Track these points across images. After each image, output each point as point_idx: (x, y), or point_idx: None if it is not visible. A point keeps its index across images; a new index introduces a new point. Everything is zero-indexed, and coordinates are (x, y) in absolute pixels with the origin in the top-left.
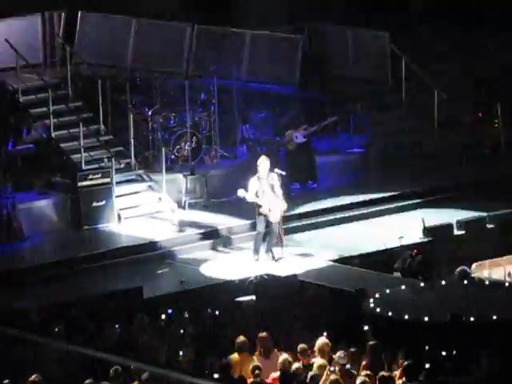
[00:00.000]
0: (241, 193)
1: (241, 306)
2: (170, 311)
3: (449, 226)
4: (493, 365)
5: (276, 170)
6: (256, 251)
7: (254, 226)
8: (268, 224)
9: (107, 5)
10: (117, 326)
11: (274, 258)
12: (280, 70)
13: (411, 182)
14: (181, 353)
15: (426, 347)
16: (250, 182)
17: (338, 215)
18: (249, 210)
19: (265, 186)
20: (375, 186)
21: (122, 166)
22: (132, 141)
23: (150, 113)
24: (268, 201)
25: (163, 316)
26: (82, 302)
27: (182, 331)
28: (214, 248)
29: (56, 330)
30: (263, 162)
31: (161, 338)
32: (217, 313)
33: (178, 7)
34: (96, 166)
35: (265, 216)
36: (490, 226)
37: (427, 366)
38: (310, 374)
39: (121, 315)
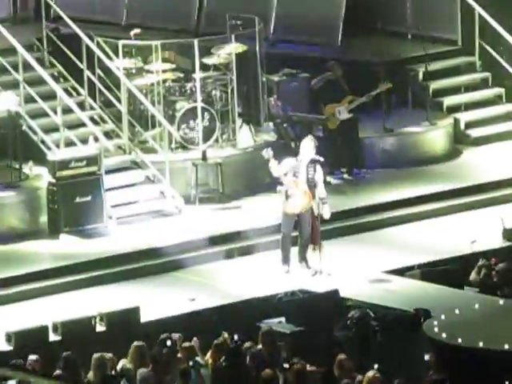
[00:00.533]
0: (266, 153)
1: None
2: (175, 337)
3: None
4: None
5: (313, 155)
6: (285, 260)
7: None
8: (299, 223)
9: None
10: (107, 356)
11: (309, 268)
12: (317, 27)
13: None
14: None
15: (506, 383)
16: (284, 160)
17: (392, 214)
18: (276, 208)
19: (302, 170)
20: (439, 176)
21: (113, 150)
22: (126, 117)
23: (149, 82)
24: (302, 190)
25: (168, 343)
26: (63, 327)
27: (191, 363)
28: (230, 256)
29: (30, 361)
30: (307, 142)
31: (164, 371)
32: (235, 337)
33: None
34: (79, 149)
35: (293, 213)
36: None
37: None
38: None
39: (113, 343)
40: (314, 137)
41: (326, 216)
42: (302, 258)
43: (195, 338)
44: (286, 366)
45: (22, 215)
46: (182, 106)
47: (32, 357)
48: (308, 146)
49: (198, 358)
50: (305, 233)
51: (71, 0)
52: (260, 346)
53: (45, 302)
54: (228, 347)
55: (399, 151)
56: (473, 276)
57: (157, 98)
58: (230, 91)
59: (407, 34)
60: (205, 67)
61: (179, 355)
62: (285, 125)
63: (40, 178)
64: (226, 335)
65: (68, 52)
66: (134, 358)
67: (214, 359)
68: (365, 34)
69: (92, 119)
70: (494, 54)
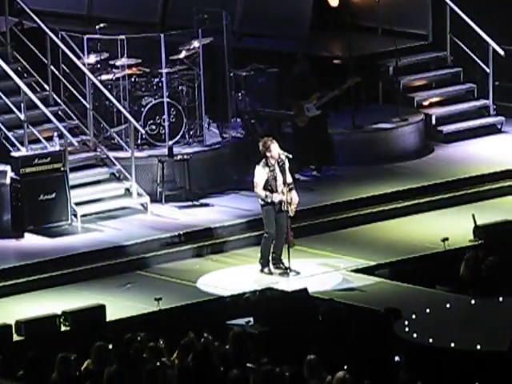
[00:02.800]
0: (276, 197)
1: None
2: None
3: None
4: None
5: (281, 152)
6: (265, 260)
7: (251, 226)
8: (277, 222)
9: None
10: (72, 356)
11: (286, 268)
12: (285, 21)
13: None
14: None
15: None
16: (256, 172)
17: (361, 211)
18: (245, 205)
19: (277, 173)
20: (410, 173)
21: (78, 146)
22: (91, 113)
23: (114, 77)
24: (281, 191)
25: (134, 343)
26: (26, 326)
27: (157, 364)
28: (199, 255)
29: None
30: (275, 144)
31: (129, 371)
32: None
33: None
34: (43, 146)
35: (280, 212)
36: None
37: None
38: None
39: (77, 343)
40: (283, 134)
41: (295, 200)
42: (278, 257)
43: (161, 341)
44: (253, 366)
45: None
46: (148, 101)
47: None
48: (277, 148)
49: (164, 359)
50: (283, 230)
51: None
52: (228, 346)
53: (8, 301)
54: (195, 347)
55: (369, 148)
56: (463, 270)
57: (122, 93)
58: (196, 86)
59: (377, 28)
60: (171, 62)
61: (145, 355)
62: (253, 121)
63: (3, 175)
64: (192, 335)
65: (32, 47)
66: (97, 358)
67: (181, 359)
68: (334, 28)
69: (56, 115)
70: (465, 48)
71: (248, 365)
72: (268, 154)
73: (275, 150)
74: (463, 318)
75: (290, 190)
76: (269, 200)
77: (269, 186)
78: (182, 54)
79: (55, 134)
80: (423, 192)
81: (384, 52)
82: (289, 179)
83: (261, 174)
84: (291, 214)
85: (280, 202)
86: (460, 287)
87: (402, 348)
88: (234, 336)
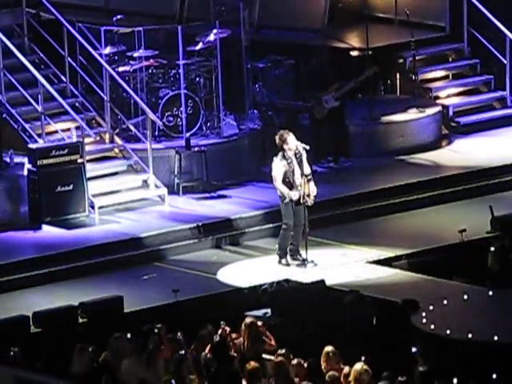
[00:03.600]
0: (294, 195)
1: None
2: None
3: None
4: None
5: (298, 143)
6: (284, 252)
7: (269, 217)
8: (294, 214)
9: None
10: (90, 348)
11: (303, 260)
12: (303, 13)
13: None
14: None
15: (494, 375)
16: (273, 165)
17: (379, 203)
18: (262, 196)
19: (295, 165)
20: (427, 164)
21: (96, 138)
22: (108, 105)
23: (131, 68)
24: (299, 183)
25: (152, 334)
26: (43, 318)
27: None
28: (217, 246)
29: (11, 353)
30: (291, 136)
31: (147, 364)
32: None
33: None
34: (61, 138)
35: (298, 204)
36: None
37: None
38: None
39: (95, 334)
40: (300, 125)
41: (313, 192)
42: (296, 248)
43: (179, 333)
44: (271, 357)
45: (3, 205)
46: (166, 93)
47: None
48: (294, 140)
49: (182, 352)
50: (301, 222)
51: None
52: (242, 338)
53: (26, 292)
54: (212, 339)
55: (386, 139)
56: (491, 260)
57: (140, 85)
58: (214, 78)
59: (395, 19)
60: (189, 54)
61: (162, 347)
62: (270, 112)
63: (21, 166)
64: (210, 327)
65: (49, 38)
66: (114, 349)
67: (198, 351)
68: (351, 20)
69: (74, 107)
70: (482, 40)
71: (264, 356)
72: (285, 147)
73: (292, 142)
74: (481, 310)
75: (309, 181)
76: (288, 200)
77: (287, 179)
78: (199, 46)
79: (73, 125)
80: (440, 184)
81: (401, 43)
82: (307, 170)
83: (278, 167)
84: (309, 203)
85: (299, 196)
86: (482, 277)
87: (419, 339)
88: (247, 326)
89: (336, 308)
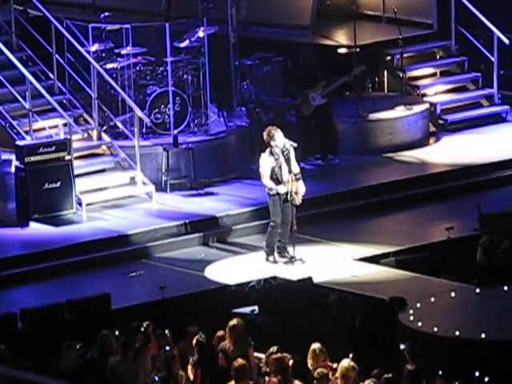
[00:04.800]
0: (282, 189)
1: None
2: (145, 325)
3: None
4: None
5: (286, 141)
6: (271, 249)
7: (256, 214)
8: (282, 211)
9: None
10: (78, 345)
11: (290, 257)
12: (290, 9)
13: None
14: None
15: (477, 373)
16: (261, 161)
17: (366, 200)
18: (250, 193)
19: (282, 161)
20: (415, 162)
21: (83, 135)
22: (96, 102)
23: (119, 65)
24: (286, 180)
25: (140, 331)
26: (31, 315)
27: (162, 352)
28: (205, 243)
29: None
30: (279, 133)
31: (134, 361)
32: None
33: None
34: (48, 135)
35: (286, 201)
36: None
37: None
38: None
39: (82, 331)
40: (288, 122)
41: (301, 190)
42: (283, 246)
43: (167, 331)
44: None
45: None
46: (153, 90)
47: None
48: (281, 137)
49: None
50: (288, 220)
51: None
52: (227, 341)
53: (13, 289)
54: (200, 342)
55: (374, 137)
56: (480, 255)
57: (127, 82)
58: (201, 75)
59: (382, 17)
60: (176, 51)
61: (150, 344)
62: (257, 109)
63: (8, 163)
64: (195, 328)
65: (37, 35)
66: (101, 346)
67: (186, 347)
68: (339, 17)
69: (61, 104)
70: (470, 37)
71: (257, 355)
72: (272, 143)
73: (279, 138)
74: (468, 307)
75: (297, 179)
76: (274, 192)
77: (274, 175)
78: (186, 43)
79: (60, 122)
80: (428, 181)
81: (389, 41)
82: (296, 169)
83: (266, 163)
84: (297, 202)
85: (286, 192)
86: (469, 275)
87: (406, 337)
88: (231, 327)
89: (322, 306)
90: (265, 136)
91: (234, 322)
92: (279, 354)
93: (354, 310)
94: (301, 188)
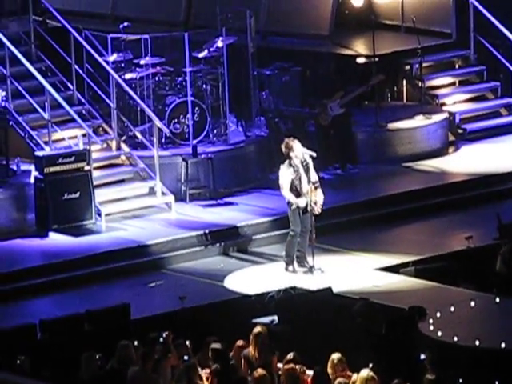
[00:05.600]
0: (302, 202)
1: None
2: (165, 335)
3: None
4: None
5: (304, 150)
6: (290, 259)
7: (276, 224)
8: (301, 221)
9: None
10: (97, 355)
11: (310, 267)
12: (309, 20)
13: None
14: None
15: (497, 382)
16: (280, 173)
17: (387, 210)
18: (269, 203)
19: (301, 173)
20: (434, 171)
21: (103, 146)
22: (115, 112)
23: (138, 76)
24: (306, 191)
25: (159, 341)
26: (51, 326)
27: (181, 362)
28: (224, 253)
29: (18, 361)
30: (297, 144)
31: (154, 372)
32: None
33: None
34: (68, 145)
35: (305, 211)
36: None
37: None
38: None
39: (102, 342)
40: (307, 132)
41: (320, 199)
42: (302, 255)
43: (187, 342)
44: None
45: (10, 212)
46: (172, 100)
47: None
48: (300, 147)
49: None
50: (307, 229)
51: None
52: (251, 348)
53: (33, 300)
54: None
55: (393, 146)
56: (498, 265)
57: (146, 92)
58: (220, 85)
59: (401, 26)
60: (195, 61)
61: (169, 354)
62: (276, 119)
63: (28, 174)
64: (213, 338)
65: (56, 46)
66: (121, 356)
67: (205, 357)
68: (358, 27)
69: (80, 114)
70: (489, 47)
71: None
72: (291, 155)
73: (298, 149)
74: (488, 316)
75: (316, 188)
76: (294, 206)
77: (294, 187)
78: (205, 53)
79: (79, 133)
80: (447, 190)
81: (408, 50)
82: (314, 177)
83: (285, 175)
84: (316, 212)
85: (306, 203)
86: (489, 284)
87: (427, 346)
88: (255, 335)
89: (343, 315)
90: (283, 148)
91: (258, 329)
92: (291, 365)
93: (380, 318)
94: (319, 197)
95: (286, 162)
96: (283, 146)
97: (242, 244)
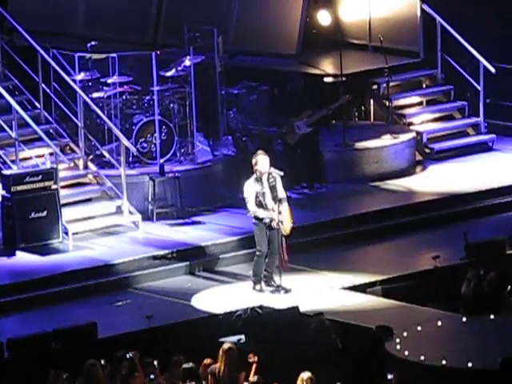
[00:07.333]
0: (264, 214)
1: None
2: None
3: (498, 243)
4: None
5: (272, 169)
6: (258, 278)
7: (243, 243)
8: (269, 240)
9: None
10: (64, 374)
11: (277, 286)
12: (277, 38)
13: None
14: None
15: None
16: (245, 188)
17: (353, 229)
18: (237, 222)
19: (266, 188)
20: (401, 190)
21: (70, 164)
22: (82, 131)
23: (106, 94)
24: (271, 208)
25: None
26: (18, 344)
27: (148, 380)
28: (191, 272)
29: None
30: (263, 158)
31: None
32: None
33: None
34: (35, 164)
35: (271, 229)
36: None
37: None
38: None
39: (69, 360)
40: (274, 151)
41: (287, 216)
42: (270, 275)
43: (155, 362)
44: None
45: None
46: (140, 119)
47: None
48: (265, 163)
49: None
50: (276, 248)
51: (26, 11)
52: (219, 364)
53: (0, 318)
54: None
55: (360, 165)
56: (464, 289)
57: (114, 111)
58: (188, 104)
59: (368, 46)
60: (162, 80)
61: (136, 373)
62: (244, 138)
63: None
64: (181, 357)
65: (23, 65)
66: (89, 375)
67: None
68: (325, 46)
69: (48, 133)
70: (456, 66)
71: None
72: (256, 168)
73: (262, 164)
74: (455, 336)
75: (282, 203)
76: (259, 215)
77: (258, 201)
78: (172, 72)
79: (47, 152)
80: (415, 210)
81: (375, 69)
82: (282, 194)
83: (250, 188)
84: (283, 232)
85: (270, 220)
86: (456, 304)
87: (394, 366)
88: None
89: (304, 334)
90: (253, 160)
91: (228, 345)
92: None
93: (334, 334)
94: (285, 216)
95: (253, 176)
96: (253, 158)
97: (209, 263)
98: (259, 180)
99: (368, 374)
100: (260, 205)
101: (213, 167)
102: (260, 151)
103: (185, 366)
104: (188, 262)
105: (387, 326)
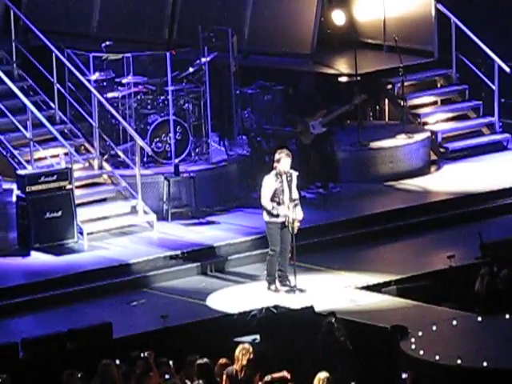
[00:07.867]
0: (282, 210)
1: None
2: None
3: None
4: None
5: (290, 170)
6: (272, 278)
7: (257, 244)
8: (282, 240)
9: None
10: (79, 374)
11: (292, 286)
12: (291, 38)
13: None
14: None
15: None
16: (265, 182)
17: (368, 229)
18: (251, 222)
19: (285, 186)
20: (416, 190)
21: (85, 164)
22: (97, 131)
23: (120, 94)
24: (287, 206)
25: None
26: (33, 344)
27: (163, 380)
28: (204, 272)
29: (0, 379)
30: (286, 158)
31: None
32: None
33: None
34: (50, 164)
35: (283, 228)
36: None
37: None
38: None
39: (84, 360)
40: (289, 151)
41: (299, 216)
42: (284, 274)
43: (171, 362)
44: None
45: None
46: (154, 119)
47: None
48: (287, 163)
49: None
50: (287, 247)
51: (41, 12)
52: (237, 365)
53: (15, 319)
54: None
55: (375, 165)
56: (478, 285)
57: (128, 111)
58: (202, 104)
59: (383, 45)
60: (177, 80)
61: (151, 373)
62: (259, 138)
63: (10, 193)
64: (195, 357)
65: (38, 65)
66: (104, 375)
67: (187, 376)
68: (340, 46)
69: (62, 133)
70: (471, 66)
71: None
72: (277, 166)
73: (284, 164)
74: (470, 335)
75: (295, 205)
76: (275, 212)
77: (276, 198)
78: (187, 72)
79: (61, 152)
80: (429, 209)
81: (390, 69)
82: (295, 195)
83: (270, 184)
84: (294, 231)
85: (285, 217)
86: (471, 303)
87: (408, 365)
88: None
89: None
90: (276, 155)
91: (247, 346)
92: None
93: (342, 335)
94: (298, 215)
95: (273, 172)
96: (276, 154)
97: (223, 263)
98: (279, 177)
99: (382, 373)
100: (277, 202)
101: (227, 167)
102: (285, 150)
103: (199, 361)
104: (203, 262)
105: (402, 325)
